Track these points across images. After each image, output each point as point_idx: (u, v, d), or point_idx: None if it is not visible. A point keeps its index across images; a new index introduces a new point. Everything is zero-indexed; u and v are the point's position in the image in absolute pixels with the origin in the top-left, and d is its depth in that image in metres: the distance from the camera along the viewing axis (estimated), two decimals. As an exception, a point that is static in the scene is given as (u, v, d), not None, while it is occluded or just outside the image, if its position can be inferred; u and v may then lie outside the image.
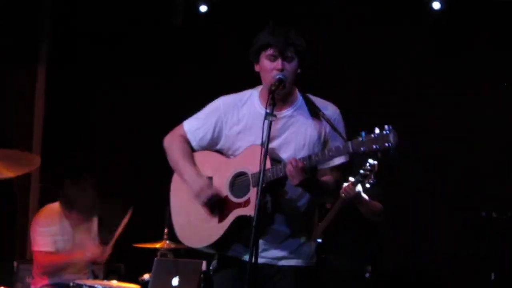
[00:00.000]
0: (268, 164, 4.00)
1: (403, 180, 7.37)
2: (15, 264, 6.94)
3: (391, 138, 3.67)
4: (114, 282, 6.20)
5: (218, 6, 8.05)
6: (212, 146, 4.40)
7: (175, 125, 7.33)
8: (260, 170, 3.88)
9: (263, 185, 3.92)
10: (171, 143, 4.53)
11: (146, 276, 6.13)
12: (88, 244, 6.55)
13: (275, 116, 3.95)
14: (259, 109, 4.21)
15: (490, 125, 7.31)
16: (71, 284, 6.01)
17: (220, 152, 4.38)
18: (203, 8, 8.12)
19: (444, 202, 7.39)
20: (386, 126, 3.71)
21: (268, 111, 3.95)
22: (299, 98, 4.26)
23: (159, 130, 7.98)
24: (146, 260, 6.09)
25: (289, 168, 3.91)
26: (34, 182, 8.14)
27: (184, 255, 6.62)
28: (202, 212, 4.29)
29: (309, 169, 3.92)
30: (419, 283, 7.48)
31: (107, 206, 6.76)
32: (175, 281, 5.72)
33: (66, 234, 6.48)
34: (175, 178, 4.55)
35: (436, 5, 7.43)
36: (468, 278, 7.20)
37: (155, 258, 6.01)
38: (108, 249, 6.53)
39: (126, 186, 7.90)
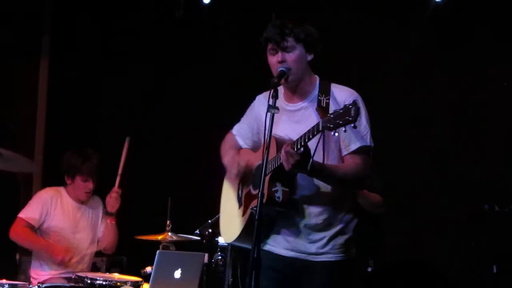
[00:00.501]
0: (274, 153, 4.07)
1: (405, 172, 7.37)
2: (17, 256, 6.94)
3: (352, 112, 3.71)
4: (116, 275, 6.21)
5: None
6: (257, 144, 4.50)
7: (178, 118, 7.39)
8: (262, 160, 3.92)
9: (269, 174, 4.01)
10: (223, 143, 4.67)
11: (148, 269, 6.13)
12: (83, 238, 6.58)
13: (277, 108, 3.97)
14: (282, 103, 4.25)
15: (493, 117, 7.30)
16: (73, 276, 6.01)
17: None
18: (206, 0, 8.11)
19: (446, 195, 7.39)
20: (347, 101, 3.82)
21: (270, 103, 3.97)
22: (316, 89, 4.27)
23: (162, 124, 8.10)
24: (148, 252, 6.08)
25: (282, 154, 3.94)
26: (36, 176, 8.14)
27: (187, 247, 6.63)
28: (235, 208, 4.40)
29: (300, 153, 3.91)
30: (421, 276, 7.46)
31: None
32: (177, 273, 5.71)
33: (60, 220, 6.50)
34: (226, 178, 4.65)
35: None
36: (470, 271, 7.20)
37: (157, 251, 6.00)
38: (114, 193, 6.64)
39: (128, 179, 7.90)
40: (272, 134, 4.12)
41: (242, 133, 4.58)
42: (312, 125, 3.99)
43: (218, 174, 4.76)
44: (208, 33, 8.18)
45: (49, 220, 6.48)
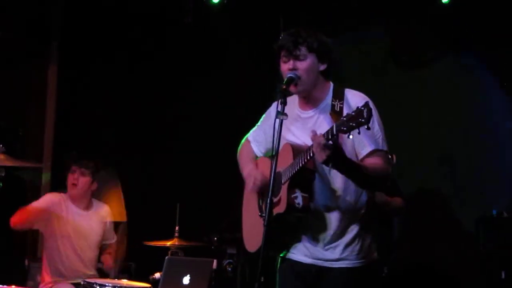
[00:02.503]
0: (291, 159, 4.09)
1: (415, 178, 7.36)
2: (26, 262, 6.96)
3: (364, 114, 3.70)
4: (124, 281, 6.20)
5: (229, 3, 8.04)
6: (271, 150, 4.46)
7: (187, 124, 7.38)
8: (271, 167, 3.93)
9: (287, 180, 4.05)
10: (240, 152, 4.70)
11: (157, 275, 6.14)
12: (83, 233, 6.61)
13: (285, 115, 3.98)
14: (297, 110, 4.28)
15: (504, 122, 7.28)
16: (82, 282, 6.01)
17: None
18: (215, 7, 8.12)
19: (455, 200, 7.38)
20: (360, 105, 3.76)
21: (279, 109, 3.98)
22: (329, 95, 4.27)
23: (170, 128, 8.10)
24: (157, 258, 6.09)
25: (314, 145, 3.89)
26: (44, 179, 8.16)
27: (195, 253, 6.63)
28: (257, 217, 4.39)
29: (331, 145, 3.87)
30: (430, 281, 7.46)
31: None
32: (186, 279, 5.71)
33: (65, 224, 6.52)
34: (246, 192, 4.66)
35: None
36: (478, 276, 7.18)
37: (166, 257, 6.01)
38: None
39: (136, 184, 7.91)
40: (289, 141, 4.15)
41: (257, 139, 4.60)
42: (323, 131, 4.00)
43: (226, 180, 4.77)
44: (218, 37, 8.17)
45: (53, 221, 6.49)
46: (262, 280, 3.88)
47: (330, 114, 4.05)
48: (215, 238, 6.49)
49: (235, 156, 4.74)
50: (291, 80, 4.16)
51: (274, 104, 4.49)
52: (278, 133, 3.96)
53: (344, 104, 4.15)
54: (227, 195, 4.83)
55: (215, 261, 6.25)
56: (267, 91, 4.51)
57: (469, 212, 7.28)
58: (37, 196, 6.67)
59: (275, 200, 4.21)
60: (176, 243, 6.55)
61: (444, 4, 7.42)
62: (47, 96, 8.45)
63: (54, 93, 8.44)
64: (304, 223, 4.21)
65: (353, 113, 3.75)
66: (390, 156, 5.65)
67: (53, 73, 8.49)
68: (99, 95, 8.25)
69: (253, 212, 4.49)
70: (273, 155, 3.96)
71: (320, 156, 3.87)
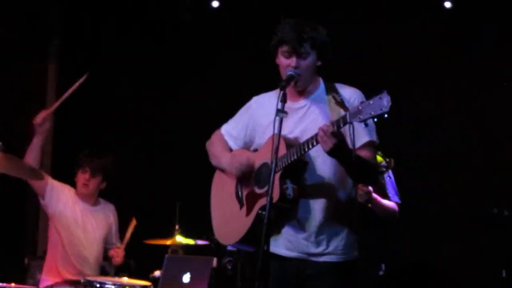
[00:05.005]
0: (284, 150, 4.05)
1: (416, 176, 7.35)
2: (26, 260, 6.95)
3: (385, 102, 3.69)
4: (125, 279, 6.21)
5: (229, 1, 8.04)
6: (248, 145, 4.48)
7: (188, 122, 7.37)
8: (271, 160, 3.89)
9: (279, 171, 4.00)
10: (211, 143, 4.65)
11: (157, 273, 6.15)
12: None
13: (286, 112, 3.95)
14: (287, 103, 4.12)
15: (505, 122, 7.28)
16: (82, 281, 6.01)
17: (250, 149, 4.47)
18: (215, 4, 8.11)
19: (456, 199, 7.37)
20: (381, 93, 3.74)
21: (279, 107, 3.95)
22: (320, 88, 4.27)
23: (170, 128, 8.10)
24: (157, 256, 6.09)
25: (320, 134, 3.87)
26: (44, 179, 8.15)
27: (195, 251, 6.63)
28: (236, 209, 4.35)
29: (338, 133, 3.86)
30: (430, 280, 7.46)
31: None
32: (186, 277, 5.71)
33: (69, 211, 6.53)
34: (215, 178, 4.65)
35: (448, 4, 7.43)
36: (479, 275, 7.18)
37: (166, 255, 6.01)
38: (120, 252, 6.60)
39: (137, 183, 7.92)
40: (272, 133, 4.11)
41: (233, 133, 4.53)
42: (316, 121, 4.03)
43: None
44: (217, 35, 8.17)
45: (58, 202, 6.51)
46: (262, 278, 3.85)
47: (334, 104, 4.01)
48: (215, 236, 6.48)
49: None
50: (291, 78, 4.14)
51: (255, 99, 4.49)
52: (279, 131, 3.91)
53: (343, 97, 4.13)
54: (213, 190, 4.79)
55: (215, 259, 6.25)
56: (268, 90, 4.47)
57: (470, 210, 7.28)
58: (36, 196, 6.65)
59: (260, 191, 4.20)
60: (176, 242, 6.55)
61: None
62: (47, 95, 8.45)
63: (54, 92, 8.43)
64: (289, 215, 4.15)
65: (370, 102, 3.73)
66: (388, 160, 5.67)
67: (53, 72, 8.49)
68: (99, 94, 8.24)
69: (229, 203, 4.43)
70: (272, 151, 3.91)
71: (327, 145, 3.85)
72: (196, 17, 8.16)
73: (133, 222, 6.69)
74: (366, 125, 3.80)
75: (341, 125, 3.83)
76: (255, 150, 4.42)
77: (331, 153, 3.89)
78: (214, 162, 4.58)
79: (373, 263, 6.25)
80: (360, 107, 3.76)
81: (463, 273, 7.28)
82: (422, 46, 7.57)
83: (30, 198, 7.84)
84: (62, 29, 8.53)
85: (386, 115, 3.70)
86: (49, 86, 8.47)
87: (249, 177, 4.33)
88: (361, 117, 3.74)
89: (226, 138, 4.55)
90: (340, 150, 3.88)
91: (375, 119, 3.74)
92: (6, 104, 7.81)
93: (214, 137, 4.64)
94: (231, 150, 4.52)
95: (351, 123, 3.80)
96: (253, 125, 4.42)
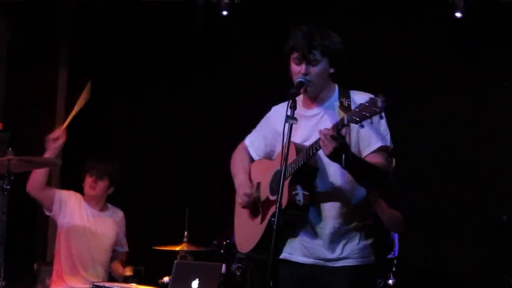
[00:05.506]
0: (294, 156, 4.05)
1: (424, 182, 7.35)
2: (35, 266, 6.97)
3: (379, 103, 3.70)
4: (133, 285, 6.21)
5: (240, 8, 8.04)
6: (270, 154, 4.48)
7: (197, 129, 7.36)
8: (281, 167, 3.90)
9: (289, 177, 3.99)
10: (234, 156, 4.65)
11: (166, 279, 6.15)
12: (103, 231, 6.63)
13: (295, 119, 3.96)
14: (300, 109, 4.18)
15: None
16: (91, 286, 6.02)
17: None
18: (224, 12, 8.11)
19: (465, 205, 7.36)
20: (377, 95, 3.75)
21: (288, 114, 3.96)
22: (334, 96, 4.27)
23: (180, 134, 8.11)
24: (166, 262, 6.09)
25: (321, 138, 3.87)
26: (54, 184, 8.16)
27: (204, 257, 6.64)
28: (253, 216, 4.37)
29: (339, 137, 3.86)
30: (439, 286, 7.45)
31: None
32: (194, 283, 5.72)
33: (76, 219, 6.55)
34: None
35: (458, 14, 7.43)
36: (487, 282, 7.17)
37: (175, 261, 6.02)
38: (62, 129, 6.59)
39: (146, 189, 7.93)
40: (291, 140, 4.10)
41: (255, 144, 4.55)
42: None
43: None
44: (227, 41, 8.17)
45: (65, 210, 6.53)
46: (271, 285, 3.85)
47: (340, 108, 4.02)
48: (224, 243, 6.49)
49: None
50: (301, 85, 4.15)
51: (274, 108, 4.48)
52: (288, 138, 3.93)
53: (351, 102, 4.13)
54: (235, 200, 4.80)
55: (224, 265, 6.25)
56: (278, 96, 4.47)
57: (478, 217, 7.27)
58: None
59: (273, 198, 4.21)
60: (185, 248, 6.56)
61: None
62: (57, 100, 8.48)
63: (64, 96, 8.46)
64: (303, 221, 4.15)
65: (366, 103, 3.74)
66: (390, 159, 5.66)
67: (63, 76, 8.51)
68: (109, 99, 8.26)
69: (247, 211, 4.43)
70: (281, 159, 3.93)
71: (327, 149, 3.85)
72: (208, 23, 8.16)
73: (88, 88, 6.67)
74: (362, 126, 3.79)
75: (340, 128, 3.84)
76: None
77: (331, 156, 3.89)
78: (232, 176, 4.59)
79: (382, 271, 6.24)
80: (357, 109, 3.77)
81: (471, 280, 7.27)
82: (429, 52, 7.57)
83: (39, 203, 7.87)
84: (72, 34, 8.55)
85: (382, 116, 3.77)
86: (59, 90, 8.49)
87: (264, 186, 4.34)
88: (357, 119, 3.75)
89: (250, 149, 4.57)
90: (340, 153, 3.88)
91: (371, 121, 3.74)
92: (16, 108, 7.83)
93: (238, 150, 4.65)
94: (253, 160, 4.55)
95: (348, 125, 3.82)
96: (273, 134, 4.42)
